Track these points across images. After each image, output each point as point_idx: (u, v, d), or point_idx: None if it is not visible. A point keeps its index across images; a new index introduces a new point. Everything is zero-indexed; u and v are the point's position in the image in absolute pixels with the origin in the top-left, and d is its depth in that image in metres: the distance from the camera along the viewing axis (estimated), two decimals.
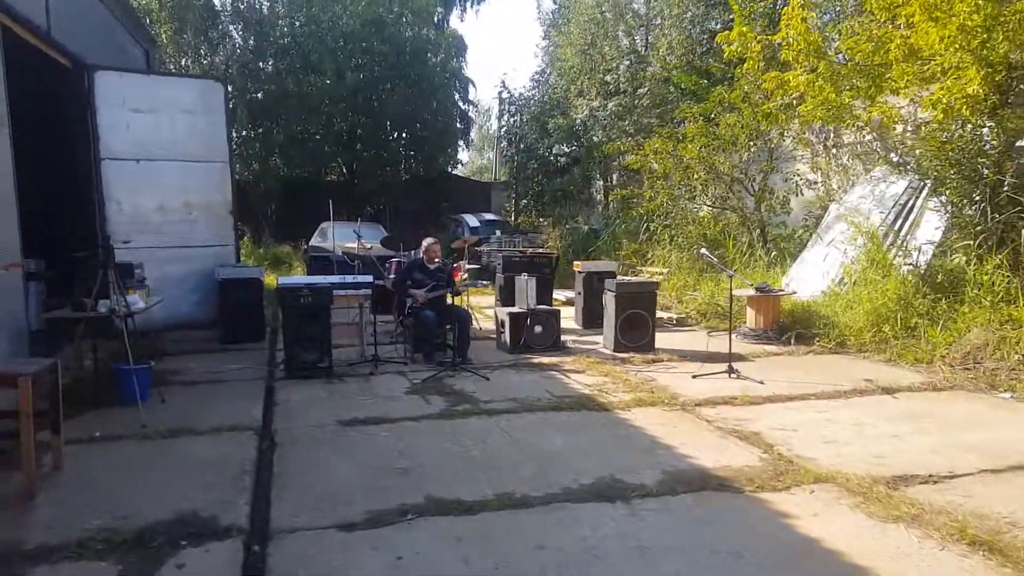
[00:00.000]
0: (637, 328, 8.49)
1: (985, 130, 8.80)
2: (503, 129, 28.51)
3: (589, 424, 5.57)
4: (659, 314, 10.70)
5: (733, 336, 9.49)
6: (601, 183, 22.00)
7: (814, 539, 3.64)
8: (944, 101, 8.45)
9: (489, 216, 20.36)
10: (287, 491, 4.18)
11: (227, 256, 9.97)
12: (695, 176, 12.22)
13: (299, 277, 8.16)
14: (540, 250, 10.24)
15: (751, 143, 11.93)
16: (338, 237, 14.10)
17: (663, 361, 8.03)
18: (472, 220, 18.96)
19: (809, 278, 10.58)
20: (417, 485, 4.24)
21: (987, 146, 8.83)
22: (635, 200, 15.19)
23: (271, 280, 15.39)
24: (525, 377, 7.20)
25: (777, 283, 10.93)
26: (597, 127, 18.97)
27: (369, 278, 8.05)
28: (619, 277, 8.92)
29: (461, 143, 26.63)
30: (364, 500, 4.03)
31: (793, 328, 9.10)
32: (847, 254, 10.20)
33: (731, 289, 7.88)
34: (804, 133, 11.85)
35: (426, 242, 8.13)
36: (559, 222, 20.39)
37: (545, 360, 7.99)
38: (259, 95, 23.45)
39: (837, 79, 9.94)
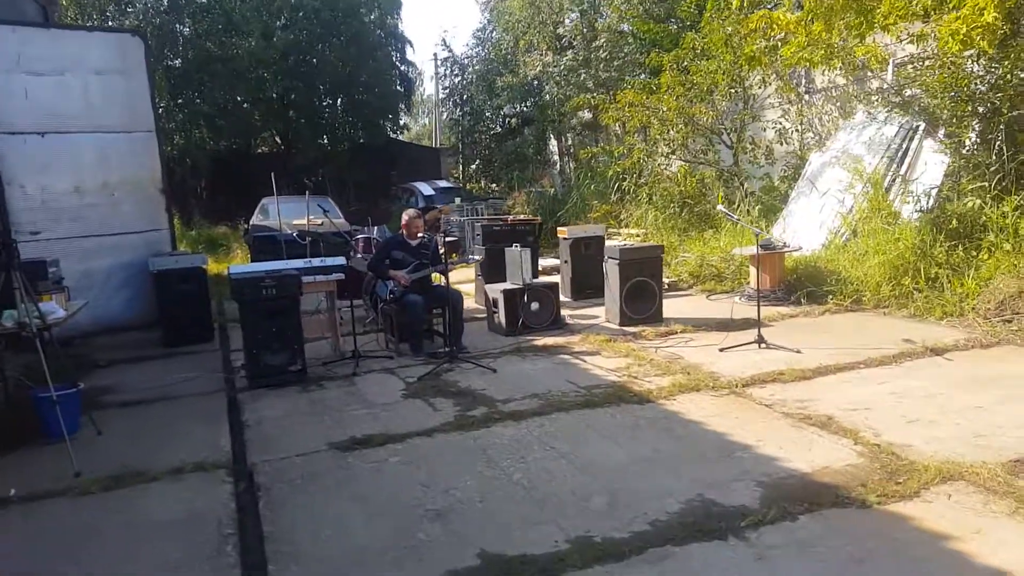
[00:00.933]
0: (643, 298, 7.59)
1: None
2: (446, 91, 27.05)
3: (638, 423, 4.63)
4: None
5: (736, 299, 8.77)
6: (556, 143, 20.97)
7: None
8: (961, 32, 7.69)
9: (443, 183, 19.09)
10: (291, 566, 3.09)
11: (161, 243, 8.60)
12: (675, 129, 11.30)
13: (254, 265, 6.91)
14: (522, 217, 9.22)
15: (731, 90, 11.07)
16: (283, 213, 12.70)
17: (677, 333, 7.16)
18: (426, 188, 17.68)
19: (802, 231, 9.86)
20: (461, 536, 3.23)
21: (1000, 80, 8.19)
22: (604, 158, 14.25)
23: (215, 267, 13.93)
24: (537, 365, 6.22)
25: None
26: (551, 83, 17.84)
27: (340, 260, 6.87)
28: (617, 243, 7.98)
29: (402, 107, 24.98)
30: (398, 570, 2.99)
31: (800, 286, 8.36)
32: (844, 203, 9.52)
33: (758, 248, 7.02)
34: (785, 78, 11.06)
35: (407, 215, 6.98)
36: (516, 186, 19.28)
37: (549, 341, 7.02)
38: (178, 62, 21.37)
39: (830, 15, 9.11)
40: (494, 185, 23.99)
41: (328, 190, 20.42)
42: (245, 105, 21.92)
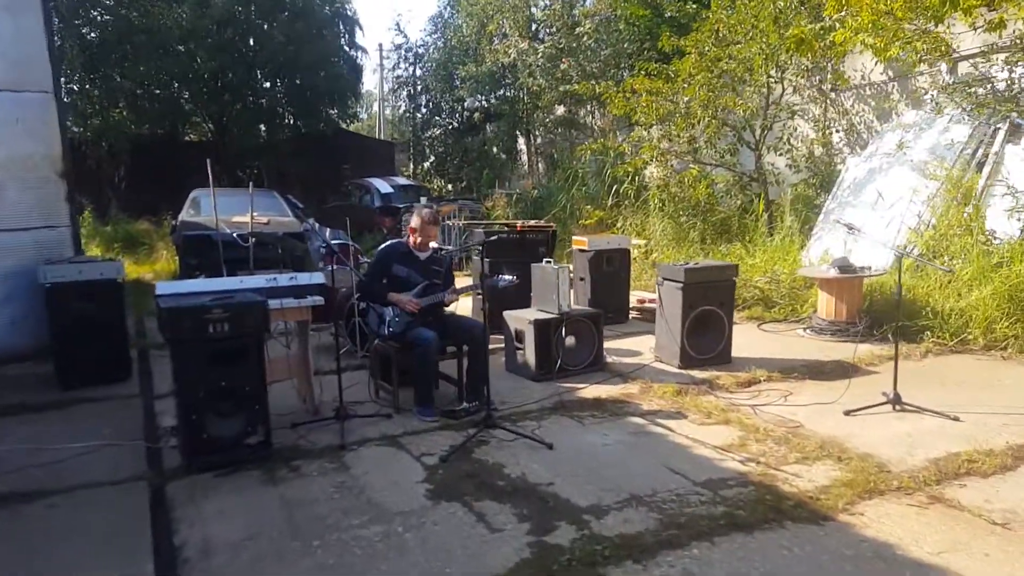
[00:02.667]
0: (709, 332, 5.89)
1: None
2: (397, 81, 24.91)
3: (842, 571, 2.87)
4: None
5: (801, 331, 7.18)
6: (523, 141, 19.20)
7: None
8: None
9: (402, 180, 17.02)
10: None
11: (58, 244, 6.42)
12: (701, 123, 9.67)
13: (192, 284, 4.82)
14: (532, 223, 7.40)
15: (769, 79, 9.52)
16: (221, 208, 10.49)
17: (761, 381, 5.48)
18: (383, 185, 15.60)
19: (859, 250, 8.35)
20: None
21: None
22: (593, 158, 12.54)
23: (134, 270, 11.57)
24: (608, 436, 4.38)
25: (794, 257, 8.70)
26: (526, 73, 16.05)
27: (318, 278, 4.88)
28: (684, 262, 6.22)
29: (350, 95, 22.66)
30: None
31: (882, 318, 6.83)
32: (904, 216, 8.08)
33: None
34: (833, 68, 9.61)
35: (419, 216, 5.02)
36: (482, 187, 17.40)
37: (601, 393, 5.22)
38: (94, 33, 18.60)
39: None
40: (450, 186, 22.06)
41: (266, 184, 18.07)
42: (173, 84, 19.28)
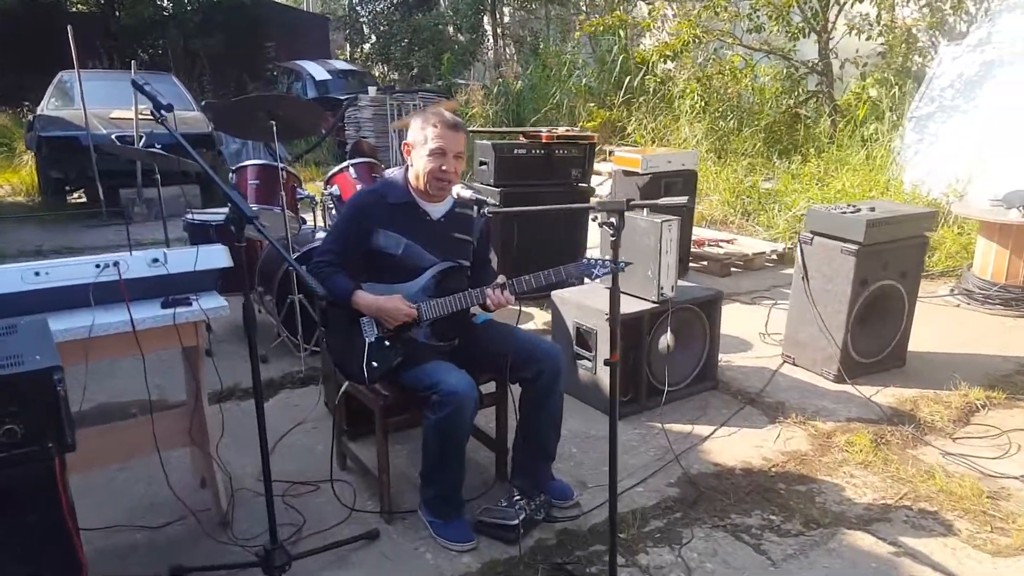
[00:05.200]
0: (882, 319, 3.64)
1: None
2: None
3: None
4: (741, 244, 6.02)
5: (952, 297, 5.00)
6: (488, 18, 16.03)
7: None
8: None
9: (340, 64, 13.83)
10: None
11: None
12: None
13: None
14: (563, 132, 4.86)
15: None
16: (94, 98, 7.49)
17: (980, 408, 3.30)
18: (317, 71, 12.47)
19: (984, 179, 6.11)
20: None
21: None
22: (611, 34, 9.77)
23: None
24: None
25: (885, 181, 6.48)
26: None
27: (217, 254, 2.33)
28: (846, 206, 3.79)
29: None
30: None
31: None
32: None
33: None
34: None
35: (433, 122, 2.42)
36: (440, 76, 14.34)
37: (746, 448, 2.93)
38: None
39: None
40: (395, 74, 18.76)
41: (172, 66, 14.58)
42: None
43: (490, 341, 2.54)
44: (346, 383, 2.55)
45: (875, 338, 3.64)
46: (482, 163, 4.80)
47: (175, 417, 2.59)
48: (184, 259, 2.33)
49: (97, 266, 2.21)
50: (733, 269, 5.69)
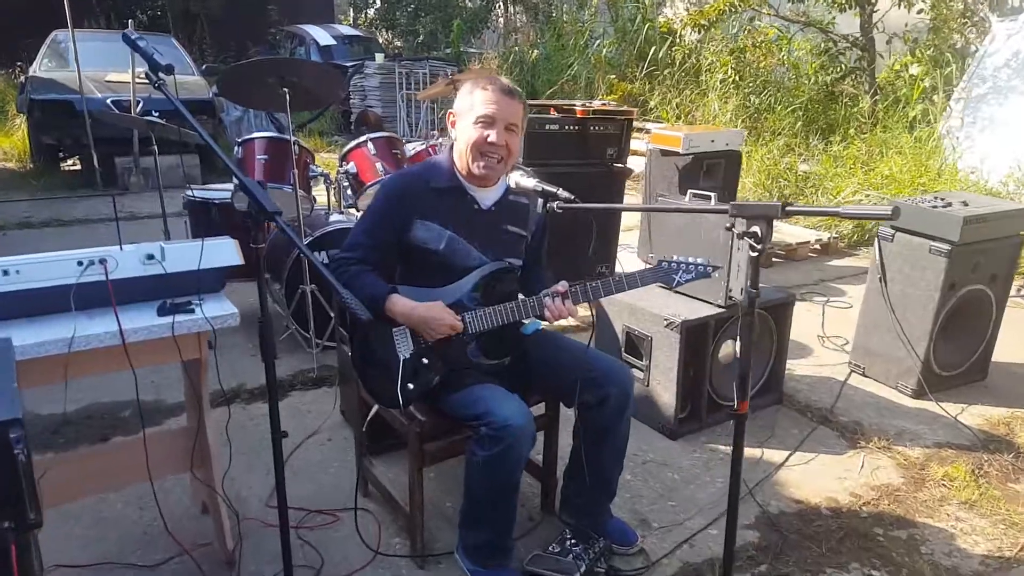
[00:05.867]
0: (965, 327, 3.24)
1: None
2: None
3: None
4: (782, 231, 5.61)
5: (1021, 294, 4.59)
6: None
7: None
8: None
9: (347, 30, 13.24)
10: None
11: None
12: None
13: None
14: (600, 105, 4.42)
15: None
16: (89, 59, 7.00)
17: None
18: (321, 35, 11.91)
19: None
20: None
21: None
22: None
23: None
24: None
25: (953, 176, 6.02)
26: None
27: (225, 244, 1.93)
28: (933, 197, 3.37)
29: None
30: None
31: None
32: None
33: None
34: None
35: (486, 88, 2.02)
36: (449, 44, 13.76)
37: (827, 482, 2.55)
38: None
39: None
40: (399, 41, 18.11)
41: (171, 29, 14.00)
42: None
43: (542, 357, 2.15)
44: (375, 407, 2.15)
45: (957, 349, 3.25)
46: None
47: (173, 439, 2.21)
48: (185, 255, 1.92)
49: (80, 263, 1.81)
50: (774, 259, 5.29)
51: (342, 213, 3.66)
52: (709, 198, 2.90)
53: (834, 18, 7.52)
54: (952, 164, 5.87)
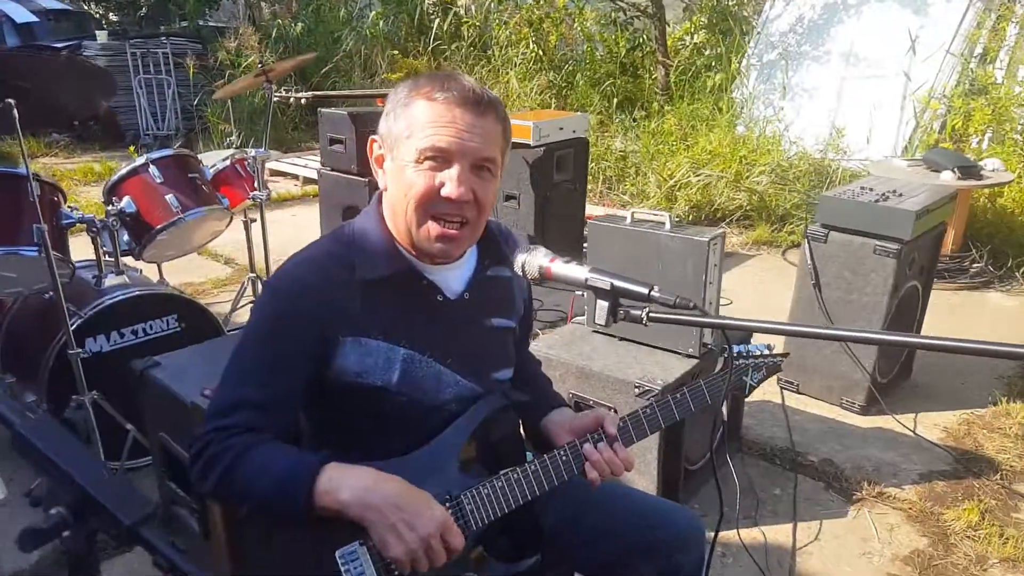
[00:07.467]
0: (900, 327, 2.93)
1: None
2: None
3: None
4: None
5: None
6: None
7: None
8: None
9: (49, 3, 10.55)
10: None
11: None
12: None
13: None
14: None
15: None
16: None
17: None
18: (16, 11, 9.33)
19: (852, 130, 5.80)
20: None
21: None
22: None
23: None
24: None
25: (777, 146, 6.01)
26: None
27: None
28: (854, 190, 2.96)
29: None
30: None
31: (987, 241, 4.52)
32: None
33: None
34: None
35: (426, 97, 1.10)
36: (186, 18, 11.68)
37: (840, 560, 2.03)
38: None
39: None
40: (112, 15, 15.29)
41: None
42: None
43: (566, 516, 1.32)
44: None
45: (891, 352, 2.94)
46: (334, 141, 3.34)
47: None
48: None
49: None
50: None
51: (121, 272, 2.38)
52: (663, 222, 2.19)
53: None
54: (776, 135, 5.80)
